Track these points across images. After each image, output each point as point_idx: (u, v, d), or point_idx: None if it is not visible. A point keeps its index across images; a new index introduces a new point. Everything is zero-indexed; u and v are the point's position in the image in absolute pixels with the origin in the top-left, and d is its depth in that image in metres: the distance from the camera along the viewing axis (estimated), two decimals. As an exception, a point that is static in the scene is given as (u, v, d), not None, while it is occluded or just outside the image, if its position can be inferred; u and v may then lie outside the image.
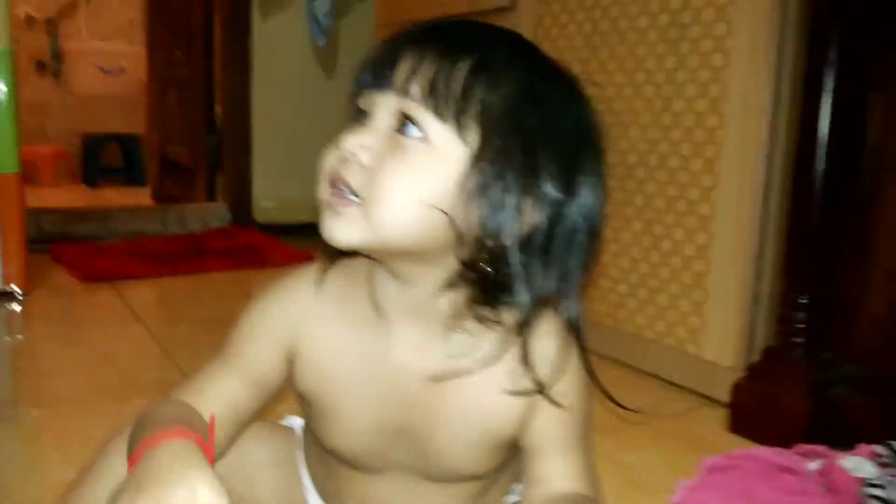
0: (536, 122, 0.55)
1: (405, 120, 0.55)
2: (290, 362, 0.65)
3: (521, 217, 0.55)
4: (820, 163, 1.18)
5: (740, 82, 1.31)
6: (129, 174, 4.99)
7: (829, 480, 0.88)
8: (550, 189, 0.55)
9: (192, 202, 3.28)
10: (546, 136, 0.56)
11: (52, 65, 4.86)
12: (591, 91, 0.61)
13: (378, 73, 0.56)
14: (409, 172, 0.54)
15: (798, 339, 1.22)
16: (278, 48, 2.97)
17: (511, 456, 0.66)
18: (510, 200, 0.54)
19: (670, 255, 1.45)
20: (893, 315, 1.16)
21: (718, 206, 1.35)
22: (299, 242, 2.81)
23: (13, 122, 1.91)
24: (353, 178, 0.55)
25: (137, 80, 4.71)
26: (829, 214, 1.20)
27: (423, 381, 0.61)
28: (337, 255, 0.64)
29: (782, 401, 1.20)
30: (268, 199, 3.03)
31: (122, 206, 3.06)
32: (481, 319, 0.59)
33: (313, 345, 0.64)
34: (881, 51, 1.17)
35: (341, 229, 0.56)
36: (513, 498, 0.73)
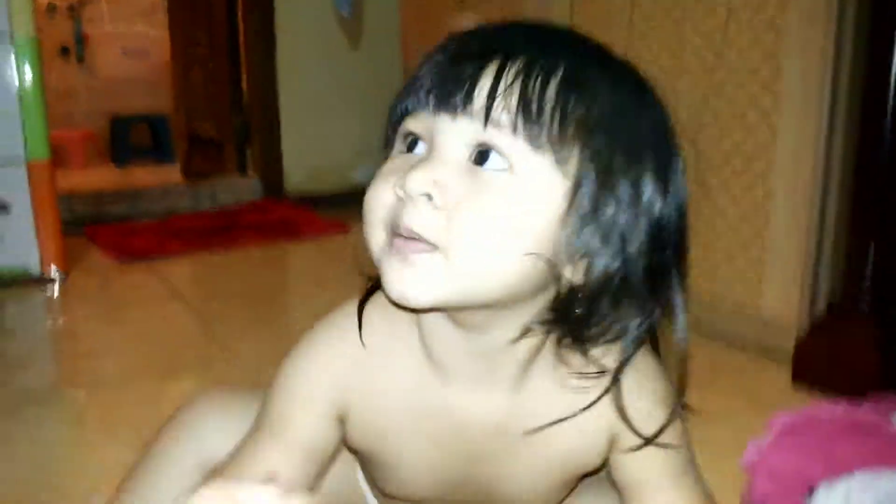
0: (632, 135, 0.48)
1: (484, 149, 0.46)
2: (342, 421, 0.57)
3: (631, 237, 0.47)
4: (891, 101, 1.11)
5: (797, 24, 1.23)
6: (158, 153, 5.01)
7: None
8: (653, 200, 0.48)
9: (220, 177, 3.27)
10: (642, 148, 0.48)
11: (76, 50, 4.88)
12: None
13: (444, 94, 0.46)
14: (499, 212, 0.45)
15: (865, 293, 1.16)
16: (302, 20, 2.92)
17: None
18: (619, 223, 0.47)
19: (726, 210, 1.39)
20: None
21: (777, 159, 1.29)
22: (332, 212, 2.79)
23: (41, 109, 1.89)
24: (426, 223, 0.45)
25: (161, 62, 4.71)
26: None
27: (492, 434, 0.55)
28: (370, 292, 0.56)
29: (850, 356, 1.15)
30: (298, 171, 3.01)
31: (152, 184, 3.05)
32: (569, 363, 0.52)
33: (364, 402, 0.56)
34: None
35: (418, 284, 0.46)
36: None
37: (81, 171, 4.45)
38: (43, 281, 1.91)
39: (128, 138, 4.93)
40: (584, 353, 0.51)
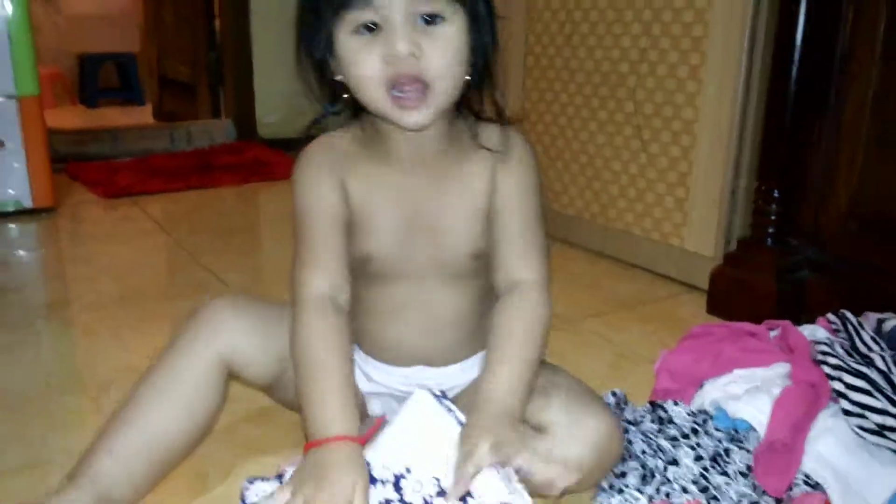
0: None
1: (430, 14, 0.71)
2: (345, 194, 0.82)
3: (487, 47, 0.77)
4: (794, 68, 1.29)
5: (723, -8, 1.40)
6: (128, 93, 5.03)
7: (785, 342, 1.03)
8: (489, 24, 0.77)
9: (193, 119, 3.36)
10: None
11: (41, -15, 4.83)
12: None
13: None
14: (451, 52, 0.73)
15: (769, 229, 1.36)
16: (273, -39, 2.99)
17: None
18: (490, 30, 0.76)
19: (657, 157, 1.57)
20: (853, 205, 1.29)
21: (701, 110, 1.47)
22: (304, 156, 2.91)
23: (30, 46, 1.98)
24: (419, 70, 0.72)
25: (130, -2, 4.68)
26: (801, 115, 1.31)
27: (428, 184, 0.81)
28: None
29: (754, 284, 1.35)
30: (271, 114, 3.11)
31: (127, 125, 3.13)
32: (464, 133, 0.82)
33: (357, 179, 0.82)
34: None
35: (419, 118, 0.74)
36: None
37: (51, 111, 4.47)
38: (36, 213, 2.04)
39: (96, 78, 4.92)
40: (473, 128, 0.82)
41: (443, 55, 0.72)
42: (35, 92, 2.00)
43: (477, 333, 0.87)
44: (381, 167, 0.82)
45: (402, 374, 0.89)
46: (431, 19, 0.72)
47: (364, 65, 0.73)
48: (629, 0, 1.58)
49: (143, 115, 4.17)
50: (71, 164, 2.62)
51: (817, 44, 1.29)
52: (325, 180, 0.81)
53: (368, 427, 0.83)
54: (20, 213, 2.04)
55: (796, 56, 1.29)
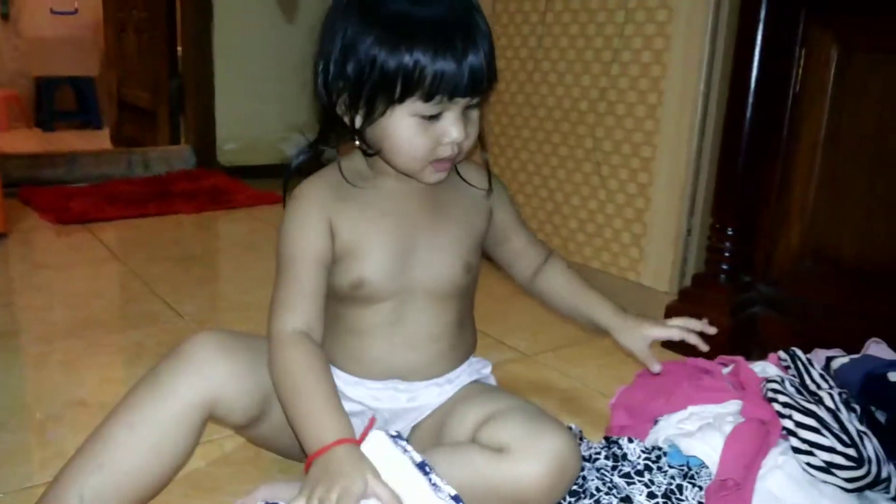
0: None
1: (470, 105, 0.81)
2: (332, 234, 0.86)
3: None
4: (748, 109, 1.33)
5: (682, 37, 1.44)
6: (85, 117, 4.96)
7: (738, 380, 1.04)
8: None
9: (152, 145, 3.32)
10: None
11: (0, 8, 4.76)
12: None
13: (457, 92, 0.77)
14: (477, 130, 0.83)
15: (723, 265, 1.39)
16: (239, -8, 3.00)
17: (472, 290, 0.95)
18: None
19: (615, 193, 1.60)
20: (805, 243, 1.33)
21: (659, 148, 1.50)
22: (262, 183, 2.90)
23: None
24: (458, 152, 0.82)
25: (91, 22, 4.65)
26: (755, 156, 1.35)
27: (423, 209, 0.88)
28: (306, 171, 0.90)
29: (707, 318, 1.36)
30: (231, 142, 3.10)
31: (84, 150, 3.08)
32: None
33: (350, 213, 0.86)
34: (809, 9, 1.30)
35: (441, 178, 0.85)
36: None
37: (5, 134, 4.39)
38: (-16, 240, 1.99)
39: (53, 101, 4.85)
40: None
41: (474, 133, 0.83)
42: (-13, 116, 1.96)
43: (455, 349, 0.91)
44: (377, 199, 0.87)
45: (374, 388, 0.90)
46: (471, 107, 0.81)
47: (416, 146, 0.80)
48: (589, 40, 1.61)
49: (100, 139, 4.11)
50: (23, 188, 2.56)
51: (771, 86, 1.33)
52: (313, 224, 0.85)
53: (363, 428, 0.83)
54: (-32, 239, 1.99)
55: (750, 98, 1.33)
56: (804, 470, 0.87)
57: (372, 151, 0.84)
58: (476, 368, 0.96)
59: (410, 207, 0.88)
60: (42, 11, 4.82)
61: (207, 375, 0.79)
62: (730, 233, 1.38)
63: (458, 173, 0.92)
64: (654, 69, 1.49)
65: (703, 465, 0.91)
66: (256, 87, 3.04)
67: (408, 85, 0.75)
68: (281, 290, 0.84)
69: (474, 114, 0.82)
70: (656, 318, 1.05)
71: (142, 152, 3.05)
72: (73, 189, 2.64)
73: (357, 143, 0.85)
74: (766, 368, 1.06)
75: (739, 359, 1.19)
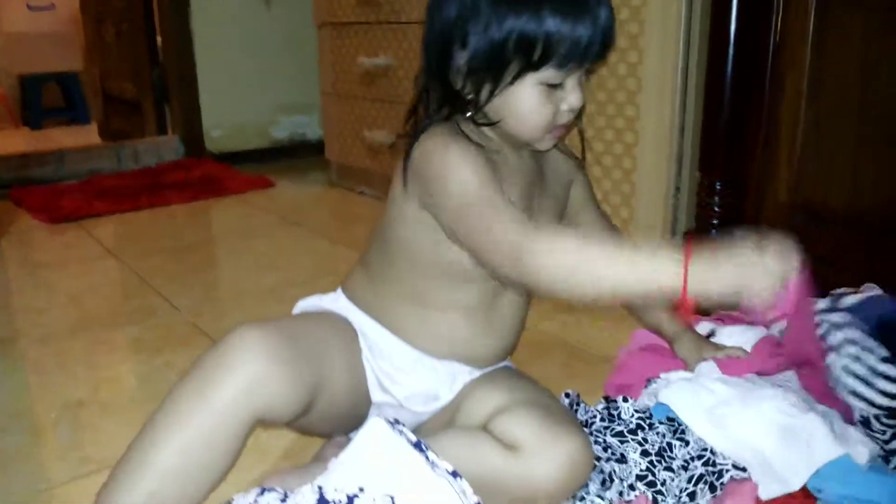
0: None
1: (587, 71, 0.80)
2: None
3: None
4: (729, 61, 1.32)
5: (658, 14, 1.42)
6: (72, 113, 4.93)
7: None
8: None
9: (141, 137, 3.30)
10: None
11: (-24, 5, 4.72)
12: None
13: (589, 54, 0.76)
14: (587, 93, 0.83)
15: (713, 221, 1.38)
16: (215, -24, 2.96)
17: None
18: None
19: (602, 155, 1.59)
20: (793, 194, 1.32)
21: (642, 107, 1.49)
22: (253, 168, 2.89)
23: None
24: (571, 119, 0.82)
25: (69, 16, 4.60)
26: (738, 109, 1.34)
27: (537, 171, 0.89)
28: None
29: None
30: (218, 128, 3.08)
31: (73, 146, 3.07)
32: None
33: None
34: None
35: (553, 144, 0.85)
36: None
37: (-6, 133, 4.37)
38: (-23, 244, 1.99)
39: (39, 99, 4.82)
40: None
41: (587, 101, 0.83)
42: (-30, 120, 1.95)
43: (510, 347, 0.94)
44: (505, 169, 0.84)
45: (431, 367, 0.88)
46: (587, 74, 0.80)
47: (541, 115, 0.79)
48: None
49: (89, 134, 4.09)
50: (14, 189, 2.56)
51: (751, 37, 1.31)
52: (474, 154, 0.78)
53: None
54: (-38, 245, 1.99)
55: (731, 50, 1.32)
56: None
57: (490, 123, 0.81)
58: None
59: (531, 179, 0.88)
60: (19, 8, 4.76)
61: (255, 389, 0.72)
62: (718, 187, 1.38)
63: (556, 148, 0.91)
64: (632, 27, 1.47)
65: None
66: (239, 72, 3.02)
67: (547, 52, 0.74)
68: (503, 215, 0.74)
69: (587, 81, 0.82)
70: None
71: (130, 145, 3.03)
72: (63, 186, 2.64)
73: (472, 115, 0.81)
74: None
75: (739, 316, 1.20)
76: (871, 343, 0.94)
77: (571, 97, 0.79)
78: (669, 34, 1.42)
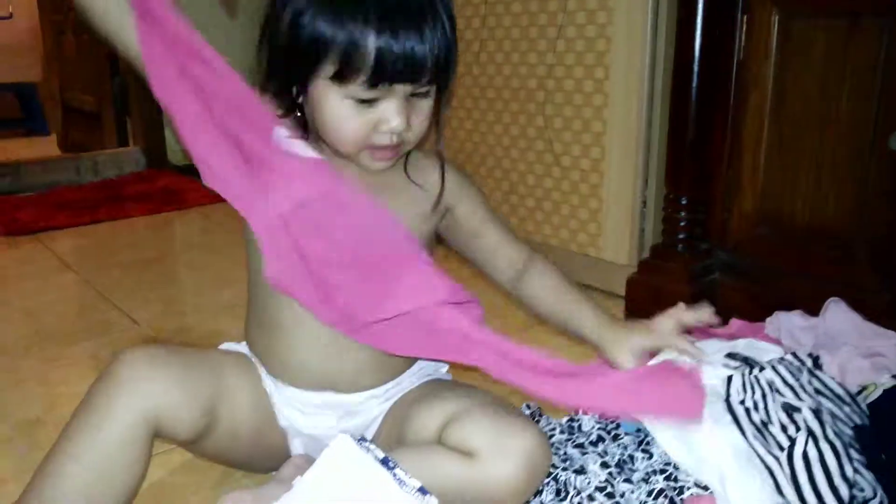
0: None
1: (416, 93, 0.76)
2: None
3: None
4: (694, 78, 1.33)
5: (623, 10, 1.44)
6: (30, 124, 4.83)
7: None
8: None
9: (101, 149, 3.25)
10: None
11: (-68, 15, 4.61)
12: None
13: (401, 78, 0.73)
14: (426, 120, 0.79)
15: (680, 235, 1.39)
16: (177, -13, 2.93)
17: None
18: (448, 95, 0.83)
19: (569, 170, 1.59)
20: (758, 209, 1.34)
21: (609, 123, 1.50)
22: (218, 182, 2.84)
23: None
24: (400, 142, 0.78)
25: (28, 26, 4.51)
26: (703, 125, 1.36)
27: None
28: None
29: (668, 288, 1.38)
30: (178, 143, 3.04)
31: (31, 158, 3.00)
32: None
33: None
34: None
35: (384, 167, 0.81)
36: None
37: (-53, 144, 4.26)
38: (-72, 258, 1.93)
39: (-5, 109, 4.72)
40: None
41: (421, 124, 0.79)
42: (-78, 129, 1.90)
43: (387, 361, 0.86)
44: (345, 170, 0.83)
45: (309, 401, 0.87)
46: (417, 95, 0.76)
47: (349, 129, 0.76)
48: (533, 17, 1.60)
49: (48, 145, 4.00)
50: (-32, 202, 2.49)
51: (715, 53, 1.33)
52: None
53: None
54: (-88, 258, 1.92)
55: (695, 67, 1.33)
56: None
57: (306, 127, 0.80)
58: (426, 372, 0.93)
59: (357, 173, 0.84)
60: (-24, 17, 4.67)
61: (142, 392, 0.75)
62: (684, 202, 1.39)
63: (405, 166, 0.86)
64: (600, 43, 1.48)
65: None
66: (203, 83, 2.98)
67: (345, 63, 0.71)
68: None
69: (424, 103, 0.78)
70: (645, 324, 0.90)
71: (90, 157, 2.97)
72: (20, 199, 2.57)
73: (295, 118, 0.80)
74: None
75: (706, 329, 1.20)
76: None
77: (390, 118, 0.75)
78: (635, 51, 1.43)
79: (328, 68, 0.72)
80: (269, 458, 0.90)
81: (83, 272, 1.84)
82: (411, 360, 0.90)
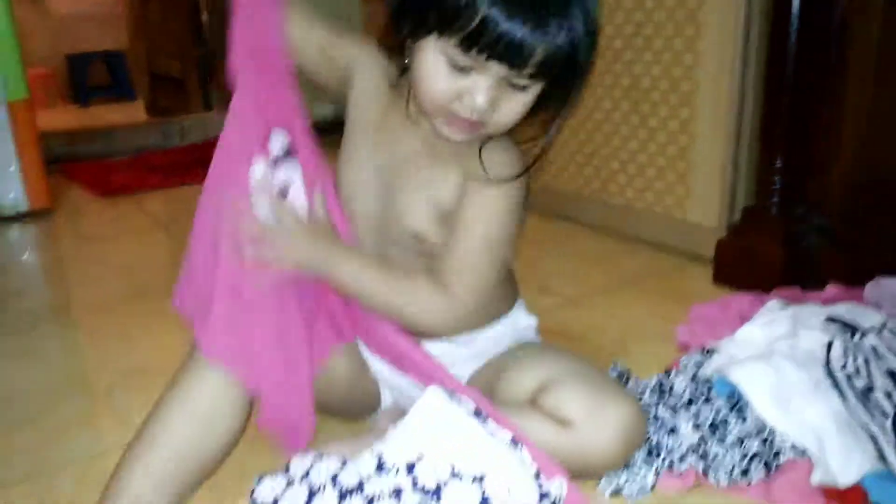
0: None
1: (514, 84, 0.71)
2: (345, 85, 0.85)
3: None
4: (793, 35, 1.27)
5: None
6: (118, 90, 5.01)
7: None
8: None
9: (186, 113, 3.34)
10: None
11: (26, -13, 4.80)
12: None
13: (494, 50, 0.68)
14: (519, 113, 0.74)
15: (774, 198, 1.35)
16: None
17: None
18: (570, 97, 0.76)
19: (657, 131, 1.56)
20: (859, 173, 1.28)
21: (700, 82, 1.45)
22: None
23: (16, 49, 1.97)
24: (482, 121, 0.74)
25: (115, -5, 4.65)
26: (802, 85, 1.30)
27: (415, 152, 0.82)
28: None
29: (760, 253, 1.34)
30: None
31: (121, 123, 3.11)
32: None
33: (360, 84, 0.84)
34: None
35: (459, 138, 0.76)
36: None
37: (43, 112, 4.45)
38: (33, 216, 2.03)
39: (86, 77, 4.90)
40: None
41: (510, 113, 0.73)
42: (25, 95, 1.99)
43: None
44: (391, 111, 0.83)
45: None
46: (516, 86, 0.72)
47: (436, 89, 0.73)
48: (621, -27, 1.56)
49: (135, 111, 4.14)
50: (66, 164, 2.60)
51: (815, 11, 1.27)
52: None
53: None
54: (17, 217, 2.03)
55: (794, 24, 1.27)
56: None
57: (404, 72, 0.78)
58: (515, 336, 0.92)
59: (410, 143, 0.82)
60: (67, -12, 4.84)
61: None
62: (779, 164, 1.34)
63: (481, 149, 0.79)
64: (689, 2, 1.44)
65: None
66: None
67: (451, 14, 0.68)
68: None
69: (521, 95, 0.72)
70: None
71: (177, 121, 3.06)
72: (112, 162, 2.68)
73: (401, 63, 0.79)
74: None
75: (800, 294, 1.17)
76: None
77: (476, 93, 0.71)
78: (728, 7, 1.38)
79: (435, 15, 0.70)
80: (364, 405, 0.94)
81: (175, 232, 1.91)
82: (488, 318, 0.90)
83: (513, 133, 0.79)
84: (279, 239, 0.79)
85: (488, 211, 0.79)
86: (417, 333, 0.85)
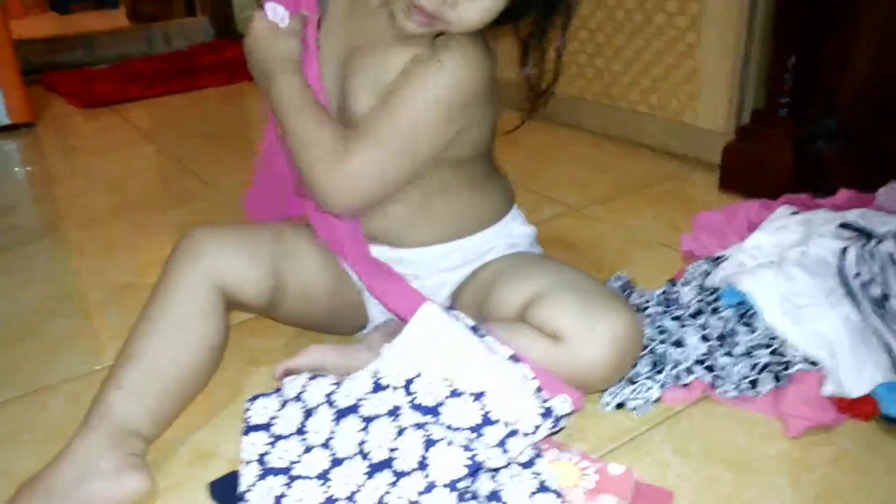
0: None
1: None
2: None
3: None
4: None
5: None
6: (99, -4, 4.81)
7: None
8: None
9: (170, 19, 3.21)
10: None
11: None
12: None
13: None
14: (484, 15, 0.71)
15: (784, 99, 1.29)
16: None
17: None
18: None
19: (663, 28, 1.48)
20: (872, 73, 1.21)
21: (709, -26, 1.37)
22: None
23: (-16, -52, 1.85)
24: (439, 16, 0.70)
25: None
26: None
27: (366, 41, 0.79)
28: None
29: (769, 157, 1.29)
30: (248, 9, 2.97)
31: (102, 30, 2.98)
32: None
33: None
34: None
35: (413, 31, 0.73)
36: None
37: (20, 20, 4.28)
38: (14, 129, 1.96)
39: (65, -18, 4.70)
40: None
41: (469, 10, 0.70)
42: (-3, 0, 1.88)
43: (433, 218, 0.84)
44: (358, 2, 0.81)
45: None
46: None
47: None
48: None
49: (117, 18, 3.98)
50: (46, 74, 2.50)
51: None
52: None
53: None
54: (-2, 130, 1.96)
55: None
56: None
57: None
58: (509, 243, 0.88)
59: (366, 26, 0.80)
60: None
61: (205, 257, 0.77)
62: (792, 62, 1.27)
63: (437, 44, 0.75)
64: None
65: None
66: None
67: None
68: None
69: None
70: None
71: (160, 28, 2.94)
72: (94, 71, 2.58)
73: None
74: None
75: (809, 199, 1.13)
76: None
77: None
78: None
79: None
80: (350, 319, 0.91)
81: (162, 143, 1.84)
82: (473, 226, 0.86)
83: (486, 37, 0.76)
84: (250, 35, 0.80)
85: (416, 90, 0.74)
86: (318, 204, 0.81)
